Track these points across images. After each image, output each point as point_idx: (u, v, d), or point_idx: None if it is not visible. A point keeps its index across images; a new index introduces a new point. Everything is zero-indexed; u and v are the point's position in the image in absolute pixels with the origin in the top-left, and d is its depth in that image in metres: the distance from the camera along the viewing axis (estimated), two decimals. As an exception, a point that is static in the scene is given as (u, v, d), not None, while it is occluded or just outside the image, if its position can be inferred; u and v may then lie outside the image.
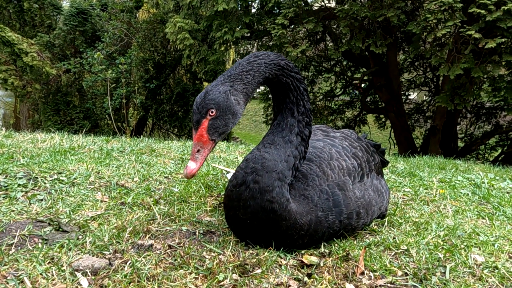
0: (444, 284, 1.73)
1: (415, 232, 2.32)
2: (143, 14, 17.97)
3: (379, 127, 16.22)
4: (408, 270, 1.85)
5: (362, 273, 1.80)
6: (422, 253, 1.99)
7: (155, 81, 15.25)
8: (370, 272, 1.81)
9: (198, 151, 1.85)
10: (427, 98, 15.77)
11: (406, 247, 2.06)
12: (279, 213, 1.85)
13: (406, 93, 15.62)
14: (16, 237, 1.94)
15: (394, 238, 2.20)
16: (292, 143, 1.99)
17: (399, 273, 1.83)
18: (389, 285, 1.73)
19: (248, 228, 1.93)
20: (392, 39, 9.87)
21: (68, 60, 15.59)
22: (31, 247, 1.87)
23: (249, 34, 12.21)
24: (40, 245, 1.88)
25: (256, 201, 1.85)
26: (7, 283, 1.55)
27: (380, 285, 1.72)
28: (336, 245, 2.07)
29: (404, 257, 1.97)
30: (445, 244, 2.14)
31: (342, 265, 1.84)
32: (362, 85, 14.28)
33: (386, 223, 2.46)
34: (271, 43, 11.88)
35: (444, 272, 1.83)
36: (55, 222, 2.10)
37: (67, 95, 16.33)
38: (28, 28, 18.13)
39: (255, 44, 13.85)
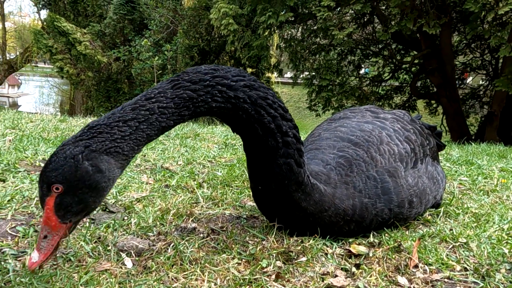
0: (511, 282, 1.57)
1: (475, 224, 2.13)
2: (188, 1, 18.11)
3: (429, 113, 15.42)
4: (467, 265, 1.69)
5: (416, 266, 1.67)
6: (483, 247, 1.81)
7: (200, 67, 15.41)
8: (425, 266, 1.67)
9: (45, 237, 1.36)
10: (483, 82, 14.73)
11: (465, 240, 1.89)
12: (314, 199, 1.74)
13: (461, 77, 14.67)
14: (66, 216, 2.00)
15: (451, 229, 2.03)
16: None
17: (458, 267, 1.67)
18: (446, 280, 1.59)
19: (288, 220, 1.85)
20: (447, 19, 9.24)
21: (117, 48, 16.18)
22: (79, 226, 1.91)
23: (293, 18, 11.95)
24: (87, 225, 1.92)
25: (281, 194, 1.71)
26: (56, 260, 1.59)
27: (436, 280, 1.58)
28: (386, 235, 1.94)
29: (463, 251, 1.81)
30: (510, 238, 1.94)
31: (394, 256, 1.72)
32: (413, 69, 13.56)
33: (441, 214, 2.28)
34: (316, 27, 11.53)
35: (510, 269, 1.65)
36: (102, 203, 2.14)
37: (117, 82, 16.99)
38: (81, 18, 18.99)
39: (300, 28, 13.54)
